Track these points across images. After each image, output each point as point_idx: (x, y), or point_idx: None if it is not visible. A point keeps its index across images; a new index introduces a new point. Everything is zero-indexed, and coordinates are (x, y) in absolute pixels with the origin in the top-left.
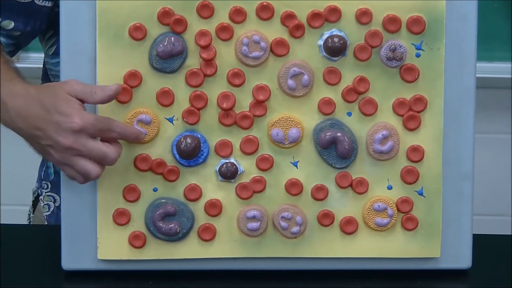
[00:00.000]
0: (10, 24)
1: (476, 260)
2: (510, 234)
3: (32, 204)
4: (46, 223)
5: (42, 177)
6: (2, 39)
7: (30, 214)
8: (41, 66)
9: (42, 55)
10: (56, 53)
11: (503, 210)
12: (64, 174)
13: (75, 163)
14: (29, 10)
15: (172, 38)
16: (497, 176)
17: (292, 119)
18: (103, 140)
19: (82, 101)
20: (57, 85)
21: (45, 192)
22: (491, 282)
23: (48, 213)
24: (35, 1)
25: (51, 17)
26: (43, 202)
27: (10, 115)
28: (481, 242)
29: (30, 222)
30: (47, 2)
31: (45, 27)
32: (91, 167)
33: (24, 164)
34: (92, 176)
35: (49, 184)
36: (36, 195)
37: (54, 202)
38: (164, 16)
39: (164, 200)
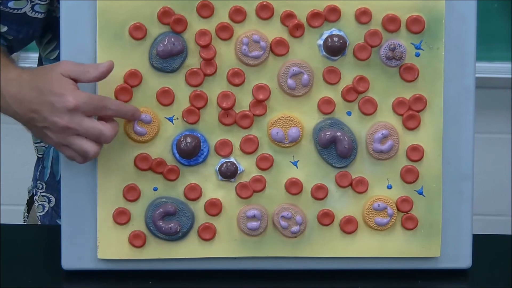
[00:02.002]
0: (4, 28)
1: (476, 260)
2: (510, 234)
3: (27, 203)
4: (39, 223)
5: (38, 177)
6: None
7: (25, 213)
8: None
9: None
10: (59, 58)
11: (503, 210)
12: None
13: (73, 143)
14: (22, 20)
15: (172, 38)
16: (497, 176)
17: (292, 119)
18: (99, 118)
19: (76, 81)
20: (50, 67)
21: (40, 192)
22: (491, 282)
23: (42, 213)
24: (27, 13)
25: (48, 23)
26: (38, 202)
27: (6, 100)
28: (481, 242)
29: (25, 221)
30: (39, 14)
31: (40, 34)
32: (89, 146)
33: (23, 164)
34: (90, 154)
35: (44, 184)
36: (31, 194)
37: (48, 203)
38: (164, 15)
39: (164, 200)
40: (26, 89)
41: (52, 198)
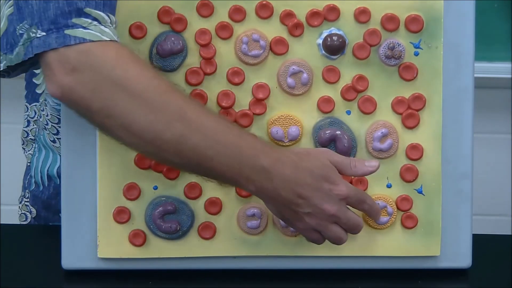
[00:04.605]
0: None
1: (476, 260)
2: (510, 234)
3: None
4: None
5: (26, 185)
6: None
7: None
8: None
9: None
10: None
11: (503, 210)
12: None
13: (330, 230)
14: None
15: (172, 37)
16: (497, 176)
17: (291, 118)
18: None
19: (339, 171)
20: (318, 153)
21: (24, 201)
22: (491, 282)
23: (25, 223)
24: None
25: None
26: (21, 211)
27: (273, 183)
28: (481, 242)
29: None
30: None
31: None
32: (344, 234)
33: (24, 164)
34: (342, 242)
35: (29, 193)
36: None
37: (30, 213)
38: (164, 15)
39: (164, 198)
40: (302, 174)
41: (34, 210)
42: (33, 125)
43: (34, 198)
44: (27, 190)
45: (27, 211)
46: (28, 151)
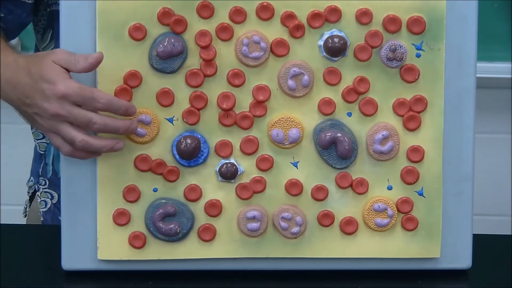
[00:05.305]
0: None
1: (476, 260)
2: (510, 234)
3: (29, 199)
4: (42, 219)
5: (40, 173)
6: None
7: (26, 208)
8: None
9: None
10: None
11: (503, 210)
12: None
13: (61, 130)
14: (13, 1)
15: (172, 39)
16: (497, 176)
17: (292, 120)
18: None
19: (67, 70)
20: (44, 54)
21: (43, 188)
22: (491, 282)
23: (44, 209)
24: None
25: (47, 28)
26: (40, 198)
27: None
28: (481, 242)
29: (25, 216)
30: None
31: (31, 20)
32: (75, 133)
33: (24, 164)
34: (75, 141)
35: (46, 180)
36: (33, 190)
37: (51, 199)
38: (164, 16)
39: (164, 201)
40: (21, 75)
41: (55, 195)
42: None
43: (54, 184)
44: (41, 178)
45: (47, 198)
46: (39, 139)
